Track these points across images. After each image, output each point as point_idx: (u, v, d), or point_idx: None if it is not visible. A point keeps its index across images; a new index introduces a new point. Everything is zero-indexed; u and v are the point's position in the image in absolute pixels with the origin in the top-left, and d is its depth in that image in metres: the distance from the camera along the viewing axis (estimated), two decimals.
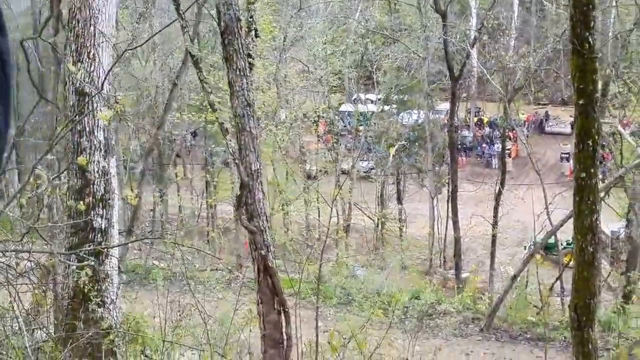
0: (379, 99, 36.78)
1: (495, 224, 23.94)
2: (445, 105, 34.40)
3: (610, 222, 26.51)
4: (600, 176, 25.62)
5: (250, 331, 8.37)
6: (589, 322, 5.21)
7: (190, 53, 9.31)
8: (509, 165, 35.93)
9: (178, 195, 33.54)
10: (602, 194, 14.79)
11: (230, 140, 7.03)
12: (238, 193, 6.68)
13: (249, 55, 6.89)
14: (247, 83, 6.70)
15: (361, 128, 36.38)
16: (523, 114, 44.90)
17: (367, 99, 37.47)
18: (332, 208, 8.67)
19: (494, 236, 24.17)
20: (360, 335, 7.83)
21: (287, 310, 6.90)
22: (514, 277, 16.10)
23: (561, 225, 15.82)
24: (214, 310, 9.76)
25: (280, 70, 27.89)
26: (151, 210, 31.47)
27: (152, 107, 27.47)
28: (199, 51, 11.80)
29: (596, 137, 4.97)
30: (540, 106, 51.02)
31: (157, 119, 22.82)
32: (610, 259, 27.13)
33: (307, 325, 8.74)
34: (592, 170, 5.01)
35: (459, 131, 45.71)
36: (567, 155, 45.38)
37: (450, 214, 27.39)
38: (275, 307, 6.89)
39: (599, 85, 6.03)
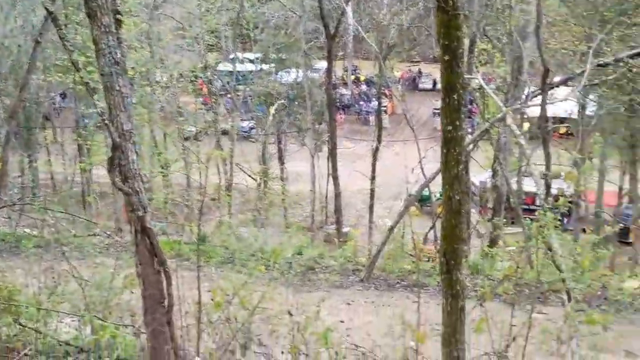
0: (257, 58, 36.58)
1: (373, 179, 24.61)
2: (323, 64, 34.67)
3: (478, 174, 27.88)
4: (470, 130, 26.85)
5: (133, 293, 8.28)
6: (457, 265, 5.45)
7: (47, 9, 8.87)
8: (385, 121, 36.86)
9: (48, 160, 32.19)
10: (470, 147, 15.51)
11: (99, 101, 6.82)
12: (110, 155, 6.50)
13: (117, 12, 6.67)
14: (114, 40, 6.48)
15: (240, 88, 36.12)
16: (397, 72, 46.00)
17: (245, 58, 37.17)
18: (207, 167, 8.65)
19: (372, 191, 24.86)
20: (243, 292, 7.93)
21: (167, 269, 6.86)
22: (391, 229, 16.65)
23: (434, 178, 16.47)
24: (92, 276, 9.56)
25: (152, 28, 27.05)
26: (19, 176, 30.11)
27: (15, 68, 25.93)
28: (62, 8, 11.25)
29: (461, 91, 5.14)
30: (413, 64, 52.47)
31: (21, 80, 21.64)
32: (478, 208, 28.61)
33: (191, 287, 8.74)
34: (457, 123, 5.18)
35: (337, 89, 46.32)
36: (439, 111, 47.03)
37: (330, 171, 27.90)
38: (155, 267, 6.84)
39: (465, 42, 6.30)
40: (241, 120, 37.31)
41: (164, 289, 6.99)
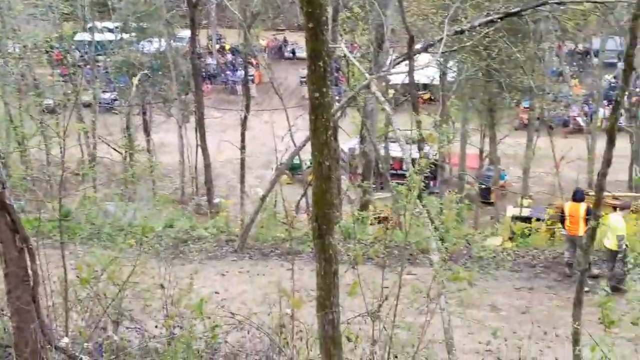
0: (117, 27, 35.26)
1: (243, 149, 24.52)
2: (187, 33, 33.96)
3: (347, 141, 28.44)
4: (337, 97, 27.23)
5: None
6: (329, 230, 5.56)
7: None
8: (253, 91, 36.77)
9: None
10: (337, 114, 15.79)
11: None
12: None
13: None
14: None
15: (100, 58, 34.74)
16: (263, 40, 45.85)
17: (104, 27, 35.77)
18: (64, 141, 8.30)
19: (242, 160, 24.78)
20: (113, 267, 7.74)
21: (30, 247, 6.58)
22: (264, 198, 16.74)
23: (303, 146, 16.65)
24: None
25: None
26: None
27: None
28: None
29: (326, 59, 5.18)
30: (279, 32, 52.49)
31: None
32: (348, 174, 29.24)
33: (57, 265, 8.42)
34: (324, 90, 5.22)
35: (202, 59, 45.56)
36: (306, 79, 47.46)
37: (198, 142, 27.55)
38: (17, 244, 6.55)
39: (329, 11, 6.38)
40: (103, 91, 36.01)
41: (28, 266, 6.71)
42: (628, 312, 7.50)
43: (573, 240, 14.31)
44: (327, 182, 5.53)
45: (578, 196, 14.78)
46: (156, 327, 8.66)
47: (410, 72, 15.88)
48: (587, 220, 14.00)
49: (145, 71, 32.05)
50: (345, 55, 16.11)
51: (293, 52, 50.26)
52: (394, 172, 29.53)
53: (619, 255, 13.49)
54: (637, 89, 37.07)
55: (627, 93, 31.43)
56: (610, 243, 13.55)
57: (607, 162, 6.37)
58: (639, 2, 6.17)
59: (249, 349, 7.82)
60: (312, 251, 15.85)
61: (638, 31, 6.41)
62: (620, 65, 43.10)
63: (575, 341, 6.81)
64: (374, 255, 7.45)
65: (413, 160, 8.92)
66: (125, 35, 34.98)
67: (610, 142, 6.26)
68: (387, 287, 6.81)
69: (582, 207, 14.33)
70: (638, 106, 33.82)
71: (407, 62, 16.53)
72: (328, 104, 5.34)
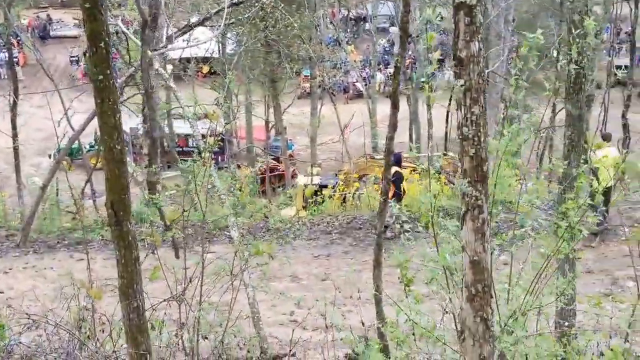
0: None
1: (15, 137, 22.97)
2: None
3: (128, 120, 27.72)
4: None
5: None
6: (126, 216, 5.51)
7: None
8: (19, 73, 34.43)
9: None
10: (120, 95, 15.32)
11: None
12: None
13: None
14: None
15: None
16: (25, 19, 43.21)
17: None
18: None
19: (15, 149, 23.21)
20: None
21: None
22: (44, 187, 15.97)
23: (83, 129, 16.07)
24: None
25: None
26: None
27: None
28: None
29: (107, 39, 5.10)
30: (41, 9, 49.71)
31: None
32: (133, 155, 28.57)
33: None
34: (108, 72, 5.15)
35: None
36: (77, 58, 45.48)
37: None
38: None
39: None
40: None
41: None
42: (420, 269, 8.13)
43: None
44: (120, 167, 5.48)
45: (394, 159, 15.67)
46: None
47: (190, 47, 15.82)
48: (395, 184, 14.94)
49: None
50: (118, 32, 15.67)
51: (44, 27, 47.94)
52: (180, 149, 29.34)
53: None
54: (411, 52, 39.74)
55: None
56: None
57: (393, 126, 6.86)
58: None
59: (47, 348, 7.50)
60: (103, 238, 15.48)
61: (409, 5, 6.97)
62: (393, 29, 45.99)
63: (377, 301, 7.32)
64: (172, 237, 7.44)
65: (203, 137, 9.00)
66: None
67: (395, 107, 6.75)
68: (189, 269, 6.86)
69: (393, 170, 15.22)
70: (412, 69, 36.31)
71: (184, 36, 16.45)
72: (113, 86, 5.29)
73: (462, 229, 3.41)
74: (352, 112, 31.38)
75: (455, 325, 4.91)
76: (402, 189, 15.04)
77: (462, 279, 3.52)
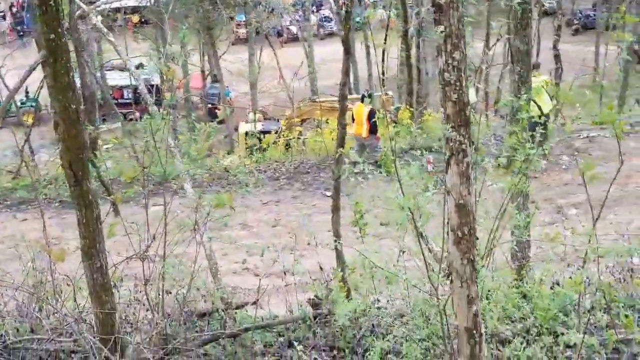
0: None
1: None
2: None
3: None
4: None
5: None
6: (84, 175, 5.42)
7: None
8: None
9: None
10: None
11: None
12: None
13: None
14: None
15: None
16: None
17: None
18: None
19: None
20: None
21: None
22: None
23: (19, 87, 15.48)
24: None
25: None
26: None
27: None
28: None
29: None
30: None
31: None
32: None
33: None
34: (59, 31, 5.03)
35: None
36: (2, 14, 43.79)
37: None
38: None
39: None
40: None
41: None
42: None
43: (359, 140, 15.21)
44: (76, 126, 5.35)
45: (363, 98, 15.81)
46: None
47: None
48: (370, 122, 15.05)
49: None
50: None
51: None
52: (116, 101, 28.68)
53: None
54: None
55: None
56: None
57: (346, 71, 6.83)
58: None
59: (2, 311, 7.31)
60: (47, 197, 15.12)
61: None
62: None
63: (337, 245, 7.40)
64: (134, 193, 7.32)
65: (150, 89, 8.81)
66: None
67: (347, 52, 6.71)
68: (150, 225, 6.77)
69: (366, 110, 15.31)
70: (345, 6, 35.94)
71: None
72: (65, 45, 5.13)
73: (447, 172, 3.44)
74: (289, 55, 31.08)
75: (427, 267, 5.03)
76: (376, 126, 15.15)
77: (447, 222, 3.58)
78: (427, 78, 24.12)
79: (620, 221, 10.61)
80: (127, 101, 30.08)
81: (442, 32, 3.18)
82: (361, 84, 31.53)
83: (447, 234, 3.58)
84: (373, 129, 14.99)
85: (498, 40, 12.51)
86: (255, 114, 23.05)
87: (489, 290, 5.86)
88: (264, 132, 20.15)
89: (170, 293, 7.07)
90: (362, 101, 15.70)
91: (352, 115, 15.71)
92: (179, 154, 8.43)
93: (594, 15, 45.36)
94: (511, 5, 7.07)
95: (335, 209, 7.61)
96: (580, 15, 48.93)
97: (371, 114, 15.01)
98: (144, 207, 6.51)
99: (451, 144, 3.33)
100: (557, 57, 23.56)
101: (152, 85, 25.63)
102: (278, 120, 22.16)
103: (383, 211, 5.57)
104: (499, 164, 5.80)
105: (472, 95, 13.19)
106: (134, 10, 35.17)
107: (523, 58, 7.40)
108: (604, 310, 5.69)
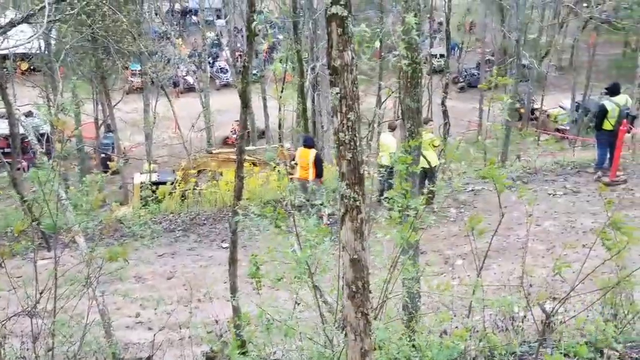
0: None
1: None
2: None
3: None
4: None
5: None
6: None
7: None
8: None
9: None
10: None
11: None
12: None
13: None
14: None
15: None
16: None
17: None
18: None
19: None
20: None
21: None
22: None
23: None
24: None
25: None
26: None
27: None
28: None
29: None
30: None
31: None
32: None
33: None
34: None
35: None
36: None
37: None
38: None
39: None
40: None
41: None
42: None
43: (304, 184, 15.16)
44: None
45: (308, 142, 15.84)
46: None
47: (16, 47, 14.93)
48: (316, 166, 15.14)
49: None
50: None
51: None
52: (2, 150, 27.57)
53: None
54: (241, 46, 39.82)
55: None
56: (386, 159, 14.83)
57: (244, 124, 6.88)
58: None
59: None
60: None
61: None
62: (219, 22, 45.80)
63: (234, 298, 7.35)
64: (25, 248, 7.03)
65: (40, 138, 8.57)
66: None
67: (244, 106, 6.75)
68: (41, 280, 6.52)
69: (312, 153, 15.33)
70: (241, 61, 36.34)
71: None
72: None
73: (341, 228, 3.53)
74: (185, 106, 31.01)
75: (328, 319, 5.09)
76: (322, 170, 15.33)
77: (342, 277, 3.65)
78: (323, 131, 24.59)
79: (503, 271, 11.05)
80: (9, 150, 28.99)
81: (337, 93, 3.30)
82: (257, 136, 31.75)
83: (342, 288, 3.66)
84: (319, 173, 15.26)
85: (389, 96, 12.97)
86: (150, 164, 22.69)
87: (381, 341, 5.96)
88: (159, 183, 19.81)
89: (60, 350, 6.81)
90: (306, 146, 15.83)
91: (296, 159, 15.98)
92: (70, 205, 8.20)
93: (478, 74, 47.83)
94: (402, 66, 7.36)
95: (232, 261, 7.58)
96: (465, 73, 51.54)
97: (317, 158, 15.26)
98: (32, 261, 6.28)
99: (346, 201, 3.44)
100: (445, 113, 24.60)
101: (42, 134, 24.90)
102: (174, 171, 21.87)
103: (280, 263, 5.61)
104: (391, 217, 5.97)
105: (433, 158, 13.45)
106: (23, 57, 34.15)
107: (413, 115, 7.68)
108: (487, 358, 5.89)
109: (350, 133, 3.32)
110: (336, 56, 3.23)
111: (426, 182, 14.60)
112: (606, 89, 15.99)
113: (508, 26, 32.33)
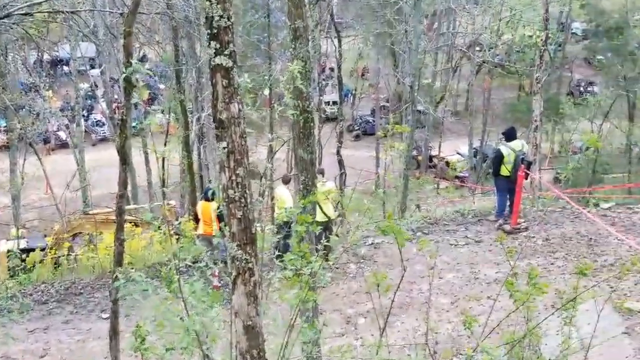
0: None
1: None
2: None
3: None
4: None
5: None
6: None
7: None
8: None
9: None
10: None
11: None
12: None
13: None
14: None
15: None
16: None
17: None
18: None
19: None
20: None
21: None
22: None
23: None
24: None
25: None
26: None
27: None
28: None
29: None
30: None
31: None
32: None
33: None
34: None
35: None
36: None
37: None
38: None
39: None
40: None
41: None
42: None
43: (209, 240, 14.69)
44: None
45: (208, 195, 15.44)
46: None
47: None
48: (219, 219, 14.69)
49: None
50: None
51: None
52: None
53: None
54: (118, 97, 39.28)
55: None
56: (280, 214, 14.49)
57: (123, 182, 6.74)
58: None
59: None
60: None
61: (131, 47, 6.96)
62: (94, 72, 45.05)
63: None
64: None
65: None
66: None
67: (123, 162, 6.64)
68: None
69: (213, 205, 14.96)
70: (119, 113, 35.81)
71: None
72: None
73: (233, 293, 3.49)
74: (57, 164, 30.17)
75: None
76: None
77: (235, 346, 3.60)
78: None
79: (408, 328, 11.20)
80: None
81: (224, 148, 3.30)
82: (140, 193, 31.21)
83: (236, 358, 3.60)
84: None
85: (280, 147, 13.06)
86: (18, 229, 21.82)
87: None
88: (29, 250, 19.06)
89: None
90: (206, 199, 15.56)
91: (197, 214, 15.73)
92: None
93: (373, 121, 49.10)
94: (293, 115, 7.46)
95: (114, 333, 7.33)
96: (360, 120, 52.80)
97: (220, 211, 15.05)
98: None
99: (237, 263, 3.41)
100: (340, 163, 24.93)
101: None
102: (45, 236, 21.11)
103: (167, 333, 5.47)
104: (285, 277, 5.96)
105: (330, 210, 13.60)
106: None
107: (307, 167, 7.78)
108: None
109: (240, 190, 3.32)
110: (222, 109, 3.24)
111: (323, 236, 14.73)
112: (502, 133, 16.74)
113: (401, 71, 33.47)
